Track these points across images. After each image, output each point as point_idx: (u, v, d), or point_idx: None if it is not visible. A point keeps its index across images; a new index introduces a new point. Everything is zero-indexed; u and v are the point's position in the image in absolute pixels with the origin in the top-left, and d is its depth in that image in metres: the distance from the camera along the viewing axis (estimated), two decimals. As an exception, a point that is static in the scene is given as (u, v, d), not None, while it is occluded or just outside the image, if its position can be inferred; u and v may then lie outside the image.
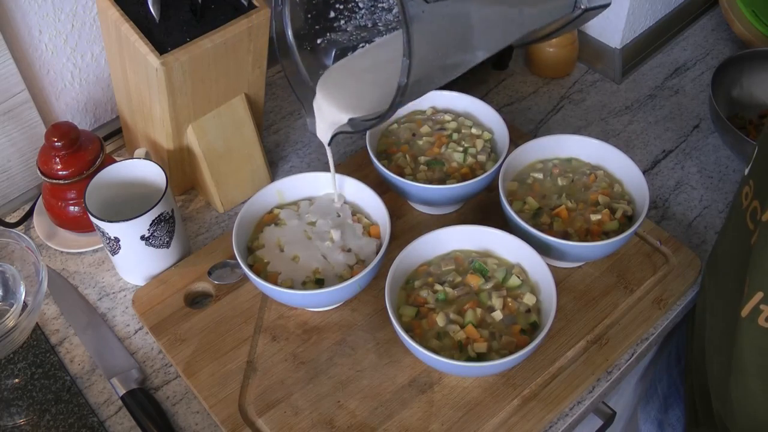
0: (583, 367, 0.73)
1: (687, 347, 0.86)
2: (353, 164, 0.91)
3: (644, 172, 0.82)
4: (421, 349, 0.66)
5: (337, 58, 0.69)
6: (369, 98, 0.66)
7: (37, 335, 0.78)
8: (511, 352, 0.67)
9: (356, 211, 0.80)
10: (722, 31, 1.12)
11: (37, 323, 0.78)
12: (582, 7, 0.59)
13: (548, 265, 0.72)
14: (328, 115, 0.68)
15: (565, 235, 0.76)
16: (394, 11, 0.63)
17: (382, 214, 0.76)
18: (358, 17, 0.65)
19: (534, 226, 0.75)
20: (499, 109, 0.86)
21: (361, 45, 0.68)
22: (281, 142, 0.98)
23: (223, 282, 0.80)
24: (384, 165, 0.81)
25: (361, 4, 0.64)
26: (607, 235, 0.76)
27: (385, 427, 0.69)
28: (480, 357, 0.68)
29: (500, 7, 0.60)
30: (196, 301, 0.81)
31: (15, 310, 0.72)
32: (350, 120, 0.65)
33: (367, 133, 0.83)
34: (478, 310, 0.71)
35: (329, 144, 0.70)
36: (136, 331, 0.79)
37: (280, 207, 0.80)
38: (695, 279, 0.81)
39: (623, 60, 1.05)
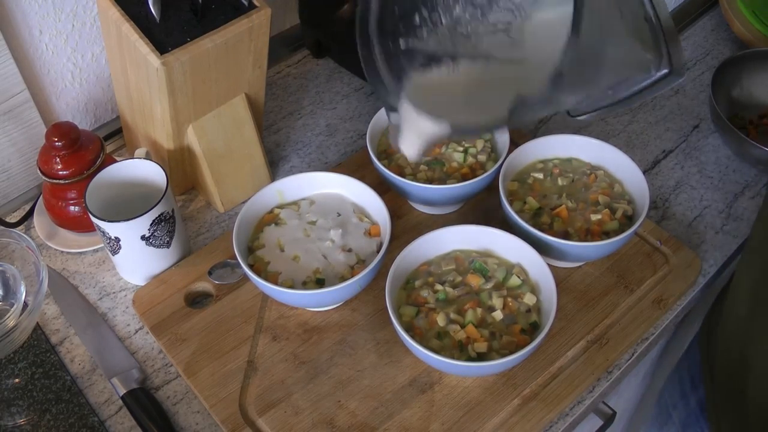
0: (583, 367, 0.73)
1: (706, 379, 0.83)
2: (353, 164, 0.91)
3: (644, 172, 0.82)
4: (421, 348, 0.66)
5: (420, 64, 0.63)
6: (464, 107, 0.61)
7: (37, 335, 0.78)
8: (511, 352, 0.67)
9: (357, 211, 0.80)
10: (722, 31, 1.13)
11: (37, 323, 0.78)
12: (666, 70, 0.56)
13: (548, 265, 0.72)
14: (419, 125, 0.61)
15: (566, 235, 0.76)
16: (472, 39, 0.59)
17: (383, 214, 0.76)
18: (439, 34, 0.60)
19: (534, 226, 0.75)
20: (499, 109, 0.86)
21: (444, 59, 0.62)
22: (281, 142, 0.98)
23: (224, 282, 0.80)
24: (384, 165, 0.81)
25: (444, 20, 0.59)
26: (607, 235, 0.77)
27: (385, 427, 0.69)
28: (480, 357, 0.68)
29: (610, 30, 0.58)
30: (196, 300, 0.81)
31: (15, 310, 0.72)
32: (454, 125, 0.60)
33: (368, 133, 0.83)
34: (479, 310, 0.71)
35: (418, 159, 0.64)
36: (137, 331, 0.79)
37: (281, 207, 0.80)
38: (695, 279, 0.81)
39: (623, 60, 1.04)
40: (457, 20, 0.58)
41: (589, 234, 0.77)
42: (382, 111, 0.86)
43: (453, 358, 0.67)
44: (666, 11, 0.57)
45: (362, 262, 0.75)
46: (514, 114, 0.56)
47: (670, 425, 0.92)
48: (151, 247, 0.77)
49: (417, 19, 0.60)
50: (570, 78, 0.52)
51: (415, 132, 0.62)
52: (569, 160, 0.84)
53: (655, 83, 0.58)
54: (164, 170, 0.77)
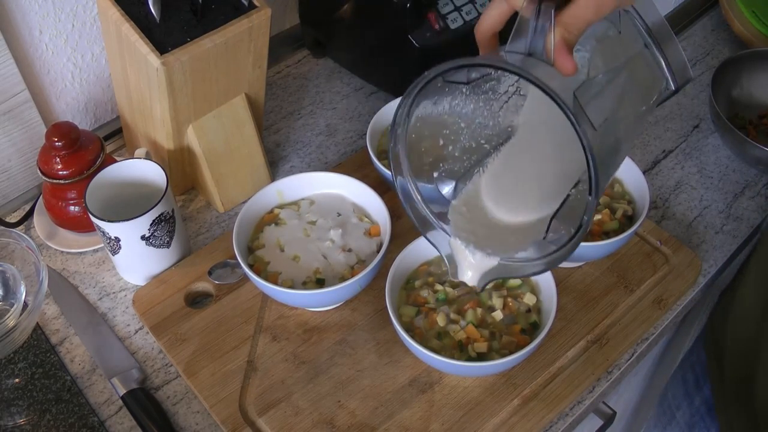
0: (583, 367, 0.73)
1: (714, 377, 0.83)
2: (353, 164, 0.91)
3: (644, 172, 0.82)
4: (421, 348, 0.66)
5: (456, 189, 0.62)
6: (513, 228, 0.61)
7: (37, 335, 0.78)
8: (511, 352, 0.67)
9: (357, 211, 0.80)
10: (722, 31, 1.13)
11: (37, 323, 0.78)
12: (673, 88, 0.60)
13: (548, 265, 0.72)
14: (475, 261, 0.61)
15: (566, 235, 0.76)
16: (491, 123, 0.59)
17: (383, 214, 0.76)
18: (462, 138, 0.59)
19: (534, 226, 0.75)
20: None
21: (473, 169, 0.62)
22: (281, 142, 0.98)
23: (224, 282, 0.80)
24: (384, 165, 0.81)
25: (462, 124, 0.59)
26: (607, 235, 0.77)
27: (385, 427, 0.69)
28: (480, 357, 0.68)
29: (629, 111, 0.59)
30: (196, 300, 0.81)
31: (15, 310, 0.72)
32: (508, 260, 0.60)
33: (368, 133, 0.83)
34: (479, 310, 0.71)
35: (482, 290, 0.64)
36: (137, 331, 0.79)
37: (281, 207, 0.80)
38: (695, 279, 0.81)
39: (623, 60, 1.04)
40: (474, 114, 0.58)
41: (589, 234, 0.77)
42: (382, 111, 0.86)
43: (453, 358, 0.67)
44: (668, 33, 0.58)
45: (362, 262, 0.75)
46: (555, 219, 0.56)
47: (674, 426, 0.92)
48: (151, 247, 0.77)
49: (441, 140, 0.60)
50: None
51: (470, 265, 0.62)
52: (569, 160, 0.84)
53: (660, 102, 0.60)
54: (164, 170, 0.77)
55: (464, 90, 0.57)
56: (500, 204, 0.61)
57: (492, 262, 0.61)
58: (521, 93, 0.57)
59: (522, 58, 0.51)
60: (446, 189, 0.62)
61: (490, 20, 0.54)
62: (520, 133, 0.59)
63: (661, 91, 0.60)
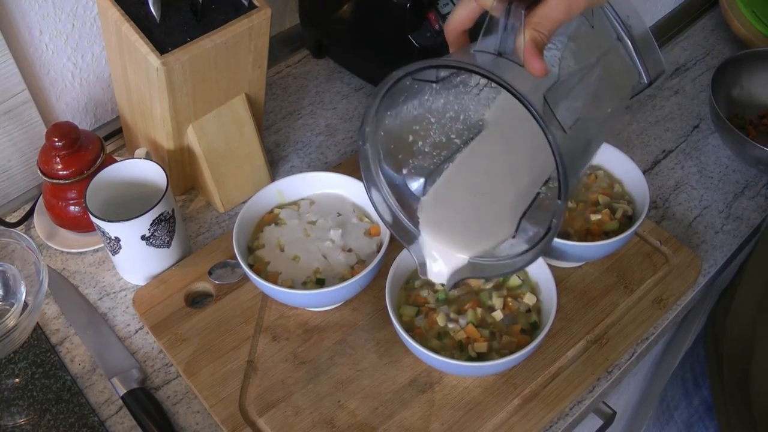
0: (583, 366, 0.73)
1: (713, 376, 0.84)
2: (353, 164, 0.91)
3: (644, 172, 0.82)
4: (421, 348, 0.66)
5: (425, 186, 0.63)
6: (484, 225, 0.61)
7: (37, 335, 0.78)
8: (511, 352, 0.67)
9: (357, 211, 0.80)
10: (722, 31, 1.13)
11: (37, 323, 0.78)
12: (646, 81, 0.60)
13: (548, 265, 0.72)
14: (444, 258, 0.62)
15: (565, 235, 0.76)
16: (462, 117, 0.59)
17: (383, 214, 0.76)
18: (432, 133, 0.59)
19: (534, 226, 0.75)
20: (499, 109, 0.86)
21: (444, 165, 0.62)
22: (281, 142, 0.98)
23: (224, 282, 0.80)
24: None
25: (432, 119, 0.59)
26: (607, 235, 0.77)
27: (385, 427, 0.69)
28: (480, 357, 0.68)
29: (601, 110, 0.59)
30: (196, 300, 0.81)
31: (15, 310, 0.72)
32: (476, 259, 0.60)
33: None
34: (479, 310, 0.71)
35: (452, 289, 0.63)
36: (137, 331, 0.79)
37: (281, 207, 0.80)
38: (695, 279, 0.81)
39: (623, 60, 1.04)
40: (444, 109, 0.58)
41: (589, 234, 0.77)
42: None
43: (453, 358, 0.67)
44: (641, 25, 0.58)
45: (362, 262, 0.75)
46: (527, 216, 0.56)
47: (672, 425, 0.92)
48: (151, 247, 0.77)
49: (410, 137, 0.60)
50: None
51: (440, 264, 0.62)
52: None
53: (633, 95, 0.61)
54: (164, 170, 0.77)
55: (434, 86, 0.57)
56: (468, 201, 0.61)
57: (461, 260, 0.60)
58: (492, 86, 0.57)
59: (492, 58, 0.51)
60: (415, 185, 0.62)
61: (459, 19, 0.54)
62: (490, 127, 0.59)
63: (635, 85, 0.60)
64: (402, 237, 0.64)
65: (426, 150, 0.60)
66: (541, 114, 0.47)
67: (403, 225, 0.63)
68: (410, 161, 0.61)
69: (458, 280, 0.62)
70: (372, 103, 0.56)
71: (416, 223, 0.63)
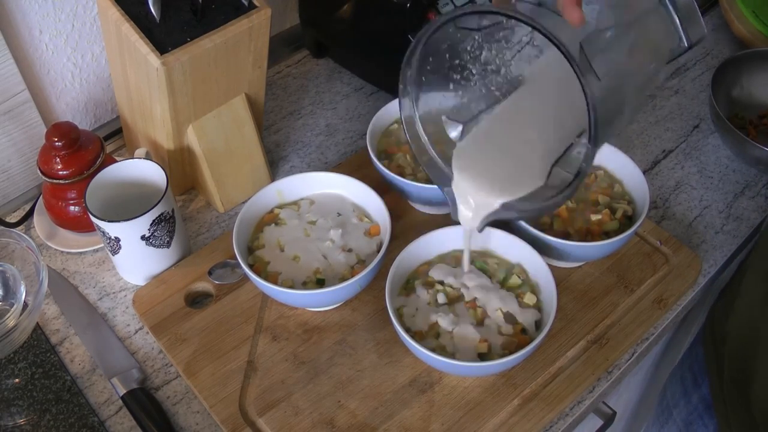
0: (583, 367, 0.73)
1: (712, 374, 0.84)
2: (353, 164, 0.91)
3: (644, 172, 0.82)
4: (421, 348, 0.66)
5: (463, 133, 0.65)
6: (517, 172, 0.63)
7: (37, 335, 0.78)
8: (511, 352, 0.67)
9: (357, 211, 0.80)
10: (722, 31, 1.12)
11: (37, 323, 0.78)
12: (686, 45, 0.62)
13: (548, 265, 0.72)
14: (474, 200, 0.64)
15: (566, 235, 0.76)
16: (503, 71, 0.61)
17: (383, 214, 0.76)
18: (472, 85, 0.62)
19: (534, 226, 0.75)
20: (499, 109, 0.86)
21: (481, 115, 0.65)
22: (281, 142, 0.98)
23: (224, 282, 0.80)
24: (384, 165, 0.81)
25: (474, 71, 0.61)
26: (607, 235, 0.76)
27: (385, 427, 0.69)
28: (480, 357, 0.68)
29: (636, 67, 0.61)
30: (196, 300, 0.81)
31: (15, 310, 0.72)
32: (508, 204, 0.63)
33: (368, 133, 0.83)
34: (479, 310, 0.71)
35: (481, 230, 0.66)
36: (137, 331, 0.79)
37: (281, 207, 0.80)
38: (695, 279, 0.81)
39: (623, 60, 1.04)
40: (486, 62, 0.61)
41: (589, 234, 0.77)
42: (383, 111, 0.86)
43: (453, 358, 0.67)
44: None
45: (362, 262, 0.75)
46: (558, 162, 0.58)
47: (671, 424, 0.92)
48: (151, 247, 0.77)
49: (450, 85, 0.63)
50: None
51: (471, 207, 0.65)
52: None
53: (672, 59, 0.63)
54: (164, 170, 0.77)
55: (477, 37, 0.59)
56: (505, 148, 0.63)
57: (493, 203, 0.63)
58: (534, 44, 0.59)
59: (532, 8, 0.53)
60: (454, 132, 0.64)
61: None
62: (529, 82, 0.61)
63: (673, 48, 0.61)
64: (437, 179, 0.66)
65: (465, 100, 0.63)
66: (577, 59, 0.49)
67: (438, 167, 0.66)
68: (449, 108, 0.64)
69: (487, 223, 0.65)
70: (415, 47, 0.58)
71: (451, 167, 0.65)
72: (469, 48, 0.60)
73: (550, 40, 0.49)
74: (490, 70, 0.61)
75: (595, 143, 0.51)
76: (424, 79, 0.62)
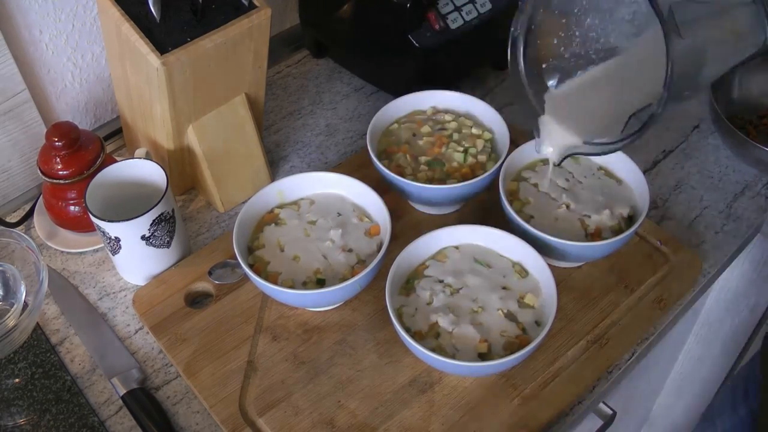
0: (583, 367, 0.73)
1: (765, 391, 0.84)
2: (353, 164, 0.91)
3: (644, 172, 0.82)
4: (421, 348, 0.66)
5: (559, 81, 0.75)
6: (599, 120, 0.72)
7: (37, 335, 0.78)
8: (511, 352, 0.67)
9: (357, 211, 0.80)
10: (722, 31, 1.12)
11: (37, 323, 0.78)
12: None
13: (548, 265, 0.72)
14: (559, 138, 0.74)
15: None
16: (602, 40, 0.69)
17: (383, 214, 0.76)
18: (574, 45, 0.71)
19: (534, 226, 0.75)
20: (499, 110, 0.86)
21: (576, 71, 0.74)
22: (281, 142, 0.98)
23: (224, 282, 0.80)
24: (384, 165, 0.81)
25: (578, 33, 0.70)
26: (607, 235, 0.76)
27: (385, 427, 0.69)
28: (480, 357, 0.68)
29: (719, 41, 0.69)
30: (196, 300, 0.81)
31: (15, 310, 0.72)
32: (587, 143, 0.72)
33: (368, 133, 0.83)
34: (479, 310, 0.71)
35: (559, 164, 0.76)
36: (137, 331, 0.79)
37: (281, 207, 0.80)
38: (695, 279, 0.81)
39: (623, 60, 1.05)
40: (588, 28, 0.69)
41: (588, 234, 0.77)
42: (382, 111, 0.86)
43: (453, 358, 0.67)
44: None
45: (362, 262, 0.75)
46: (636, 117, 0.67)
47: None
48: (151, 247, 0.77)
49: (555, 40, 0.72)
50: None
51: (555, 143, 0.74)
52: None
53: (757, 55, 0.71)
54: (164, 170, 0.77)
55: (584, 3, 0.68)
56: (592, 101, 0.73)
57: (574, 140, 0.72)
58: (635, 23, 0.66)
59: None
60: (551, 81, 0.74)
61: None
62: (624, 55, 0.69)
63: (758, 44, 0.69)
64: (526, 111, 0.75)
65: (566, 56, 0.72)
66: (664, 15, 0.56)
67: (531, 103, 0.75)
68: (551, 60, 0.73)
69: (566, 156, 0.74)
70: None
71: (542, 105, 0.75)
72: (576, 11, 0.69)
73: None
74: (591, 36, 0.69)
75: (668, 88, 0.58)
76: (533, 27, 0.71)
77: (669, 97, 0.59)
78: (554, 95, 0.74)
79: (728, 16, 0.68)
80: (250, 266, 0.74)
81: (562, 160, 0.75)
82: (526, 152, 0.82)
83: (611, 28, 0.68)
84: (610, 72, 0.70)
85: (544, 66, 0.74)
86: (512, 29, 0.71)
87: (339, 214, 0.79)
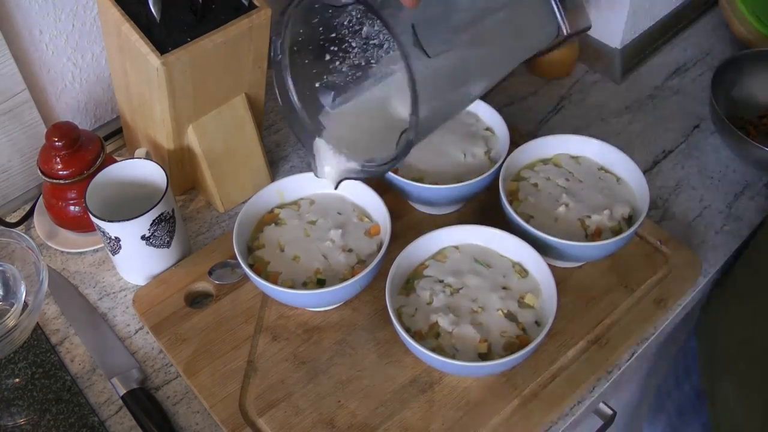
0: (583, 367, 0.73)
1: (703, 365, 0.85)
2: (353, 164, 0.91)
3: (644, 172, 0.82)
4: (421, 348, 0.66)
5: (334, 100, 0.71)
6: (372, 143, 0.69)
7: (37, 335, 0.78)
8: (511, 352, 0.67)
9: (357, 211, 0.80)
10: (722, 31, 1.12)
11: (37, 323, 0.78)
12: (565, 33, 0.65)
13: (548, 265, 0.72)
14: (332, 161, 0.70)
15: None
16: (385, 47, 0.64)
17: (383, 214, 0.76)
18: (351, 56, 0.66)
19: (534, 226, 0.75)
20: (499, 110, 0.86)
21: (356, 84, 0.70)
22: (281, 142, 0.98)
23: (224, 282, 0.80)
24: (384, 165, 0.81)
25: (353, 44, 0.65)
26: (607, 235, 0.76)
27: (385, 427, 0.69)
28: (480, 357, 0.68)
29: (492, 49, 0.64)
30: (196, 300, 0.81)
31: (15, 310, 0.72)
32: (366, 165, 0.68)
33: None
34: (479, 310, 0.71)
35: (336, 188, 0.72)
36: (137, 331, 0.79)
37: (281, 207, 0.80)
38: (695, 279, 0.81)
39: (623, 60, 1.05)
40: (367, 36, 0.65)
41: (588, 234, 0.77)
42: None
43: (453, 358, 0.67)
44: None
45: (362, 262, 0.75)
46: (400, 144, 0.62)
47: (663, 413, 0.93)
48: (151, 247, 0.77)
49: (327, 56, 0.67)
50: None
51: (330, 166, 0.70)
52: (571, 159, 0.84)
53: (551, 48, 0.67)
54: (164, 170, 0.77)
55: (354, 14, 0.63)
56: (368, 123, 0.69)
57: (350, 166, 0.69)
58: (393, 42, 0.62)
59: None
60: (326, 98, 0.70)
61: None
62: (397, 74, 0.65)
63: (551, 36, 0.65)
64: (298, 134, 0.71)
65: (343, 70, 0.68)
66: (401, 36, 0.53)
67: (304, 127, 0.70)
68: (325, 77, 0.68)
69: (342, 180, 0.70)
70: (282, 20, 0.62)
71: (318, 129, 0.70)
72: (346, 23, 0.64)
73: (377, 16, 0.52)
74: (372, 44, 0.65)
75: (415, 112, 0.56)
76: (296, 48, 0.65)
77: (416, 118, 0.56)
78: (331, 117, 0.70)
79: (505, 14, 0.63)
80: (250, 266, 0.74)
81: (339, 184, 0.71)
82: (526, 152, 0.83)
83: (387, 45, 0.64)
84: (385, 90, 0.67)
85: (317, 85, 0.69)
86: (272, 54, 0.66)
87: (339, 214, 0.79)
